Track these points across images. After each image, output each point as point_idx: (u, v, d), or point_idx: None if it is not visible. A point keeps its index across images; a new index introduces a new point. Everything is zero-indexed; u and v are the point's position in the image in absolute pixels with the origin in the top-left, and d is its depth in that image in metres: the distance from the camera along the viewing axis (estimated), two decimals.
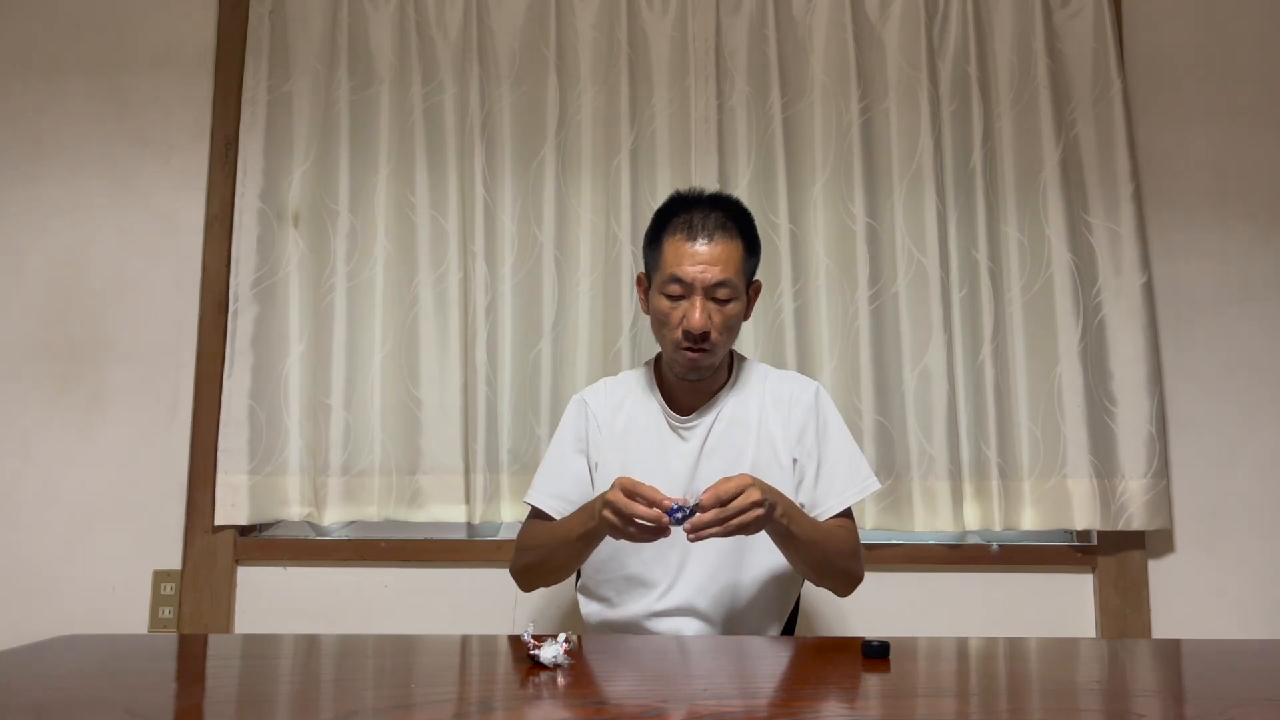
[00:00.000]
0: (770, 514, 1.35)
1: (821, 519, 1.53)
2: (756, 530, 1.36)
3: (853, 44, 2.18)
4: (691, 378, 1.55)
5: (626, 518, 1.32)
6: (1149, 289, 2.11)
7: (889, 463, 2.09)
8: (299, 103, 2.21)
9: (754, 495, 1.32)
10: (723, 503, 1.31)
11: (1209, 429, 2.14)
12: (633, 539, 1.35)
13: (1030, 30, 2.18)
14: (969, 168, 2.17)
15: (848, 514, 1.56)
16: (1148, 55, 2.23)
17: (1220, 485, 2.13)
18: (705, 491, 1.33)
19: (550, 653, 1.08)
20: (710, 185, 2.13)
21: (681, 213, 1.53)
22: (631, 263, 2.13)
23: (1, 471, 2.17)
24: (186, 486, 2.15)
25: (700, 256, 1.49)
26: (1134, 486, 2.05)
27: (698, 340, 1.49)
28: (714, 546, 1.49)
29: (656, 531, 1.32)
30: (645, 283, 1.60)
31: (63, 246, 2.22)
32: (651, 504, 1.31)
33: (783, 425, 1.57)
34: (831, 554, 1.47)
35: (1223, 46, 2.23)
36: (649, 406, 1.61)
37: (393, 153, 2.21)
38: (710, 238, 1.49)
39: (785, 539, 1.42)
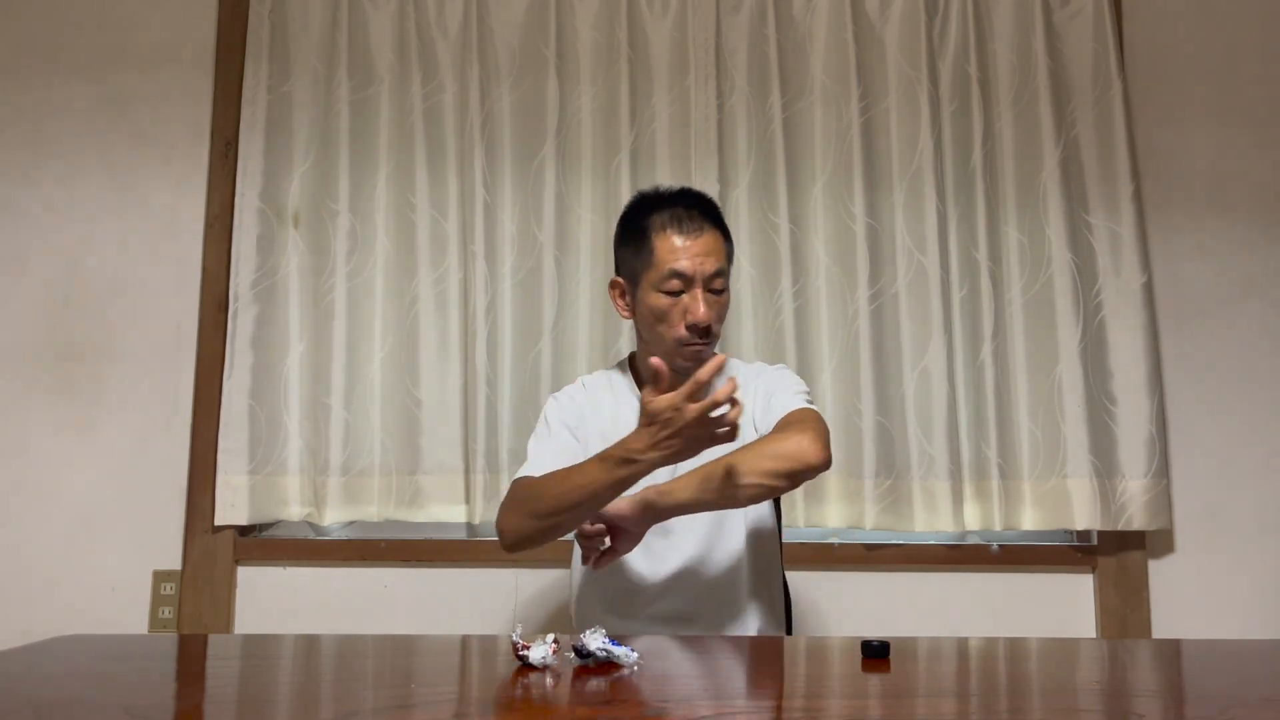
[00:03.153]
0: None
1: (778, 415, 1.49)
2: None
3: (853, 44, 2.18)
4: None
5: (695, 415, 1.27)
6: (1149, 289, 2.11)
7: (889, 463, 2.09)
8: (299, 103, 2.21)
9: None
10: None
11: (1209, 429, 2.14)
12: (699, 436, 1.30)
13: (1030, 30, 2.18)
14: (969, 168, 2.16)
15: (804, 415, 1.48)
16: (1148, 55, 2.23)
17: (1220, 485, 2.13)
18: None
19: (539, 653, 1.08)
20: (710, 185, 2.13)
21: (663, 209, 1.55)
22: None
23: (1, 471, 2.17)
24: (186, 486, 2.15)
25: (696, 249, 1.51)
26: (1134, 486, 2.05)
27: (703, 333, 1.51)
28: (679, 549, 1.53)
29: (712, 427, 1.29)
30: (622, 286, 1.61)
31: (63, 246, 2.22)
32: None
33: (747, 408, 1.55)
34: (750, 465, 1.38)
35: (1222, 47, 2.23)
36: (631, 404, 1.60)
37: (393, 153, 2.21)
38: (700, 230, 1.53)
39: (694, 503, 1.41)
